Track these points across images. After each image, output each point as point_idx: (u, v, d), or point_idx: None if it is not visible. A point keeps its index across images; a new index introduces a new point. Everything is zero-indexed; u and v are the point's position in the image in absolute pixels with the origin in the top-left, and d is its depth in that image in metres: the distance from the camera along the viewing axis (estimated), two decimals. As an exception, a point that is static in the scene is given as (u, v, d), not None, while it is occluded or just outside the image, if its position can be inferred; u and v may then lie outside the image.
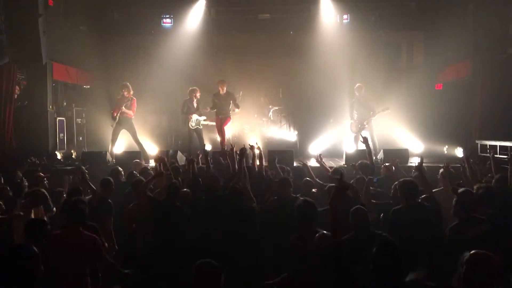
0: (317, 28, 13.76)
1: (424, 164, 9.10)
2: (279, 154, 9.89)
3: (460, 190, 4.73)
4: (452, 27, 12.19)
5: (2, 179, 7.02)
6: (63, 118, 12.00)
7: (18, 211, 5.02)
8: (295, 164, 9.42)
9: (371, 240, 3.73)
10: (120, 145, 11.26)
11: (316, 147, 12.10)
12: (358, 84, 11.53)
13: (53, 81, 11.67)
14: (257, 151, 7.83)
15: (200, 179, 6.60)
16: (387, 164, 7.85)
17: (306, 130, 13.34)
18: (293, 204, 4.78)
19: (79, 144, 12.71)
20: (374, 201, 5.68)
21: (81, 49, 12.54)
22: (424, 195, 5.27)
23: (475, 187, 4.88)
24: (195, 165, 7.11)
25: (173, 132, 14.33)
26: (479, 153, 10.15)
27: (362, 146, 10.90)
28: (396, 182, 5.58)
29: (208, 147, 12.53)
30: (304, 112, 14.02)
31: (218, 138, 11.67)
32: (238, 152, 6.55)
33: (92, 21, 13.49)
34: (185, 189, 5.99)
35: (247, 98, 13.16)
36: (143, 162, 9.90)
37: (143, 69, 14.45)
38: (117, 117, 10.78)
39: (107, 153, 10.45)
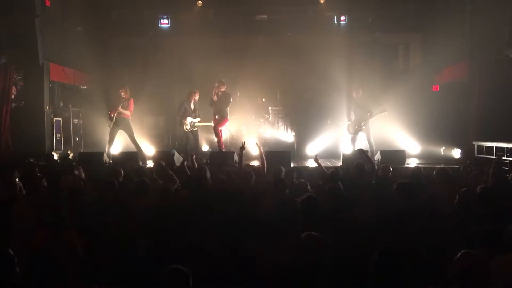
0: (314, 29, 13.79)
1: (421, 165, 9.22)
2: (276, 155, 9.92)
3: (462, 190, 4.77)
4: (449, 29, 12.25)
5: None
6: (59, 119, 11.98)
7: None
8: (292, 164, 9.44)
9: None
10: (117, 145, 11.23)
11: (313, 148, 12.10)
12: (355, 86, 11.53)
13: (50, 82, 11.65)
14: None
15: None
16: (384, 165, 7.81)
17: (303, 131, 13.33)
18: (289, 205, 4.81)
19: (76, 144, 12.68)
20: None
21: (78, 49, 12.53)
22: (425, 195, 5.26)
23: (478, 187, 4.89)
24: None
25: (170, 133, 14.31)
26: (476, 155, 10.19)
27: (359, 147, 11.00)
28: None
29: (205, 147, 12.53)
30: (302, 113, 14.01)
31: (215, 139, 11.65)
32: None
33: (89, 21, 13.47)
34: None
35: (245, 99, 13.15)
36: (140, 163, 9.89)
37: (140, 69, 14.46)
38: (114, 118, 10.75)
39: (104, 153, 10.43)
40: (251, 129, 12.99)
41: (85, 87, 13.64)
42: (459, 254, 3.09)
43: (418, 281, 3.36)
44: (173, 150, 10.58)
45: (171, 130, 14.35)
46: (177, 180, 6.27)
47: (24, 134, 10.87)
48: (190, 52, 13.51)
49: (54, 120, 11.60)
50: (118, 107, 10.71)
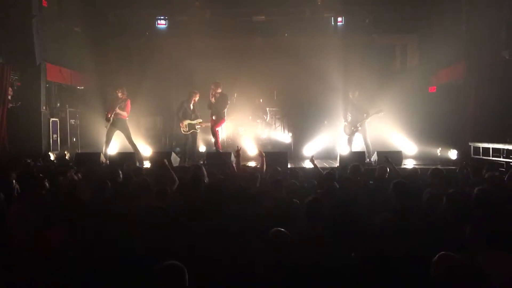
0: (311, 31, 13.80)
1: (417, 166, 9.25)
2: (274, 156, 9.93)
3: (450, 191, 4.81)
4: (446, 30, 12.29)
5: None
6: (56, 119, 11.95)
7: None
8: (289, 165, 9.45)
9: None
10: (114, 146, 11.22)
11: (310, 149, 12.12)
12: (351, 87, 11.56)
13: (47, 82, 11.62)
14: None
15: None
16: (381, 165, 7.83)
17: (300, 132, 13.36)
18: (287, 206, 4.85)
19: (73, 145, 12.66)
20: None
21: (75, 50, 12.51)
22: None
23: (475, 189, 4.91)
24: None
25: (167, 134, 14.30)
26: (472, 155, 10.23)
27: (356, 148, 11.05)
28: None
29: (202, 148, 12.53)
30: (299, 114, 14.04)
31: (213, 140, 11.66)
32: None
33: (86, 22, 13.45)
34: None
35: (242, 100, 13.16)
36: (137, 163, 9.89)
37: (137, 70, 14.44)
38: (111, 118, 10.75)
39: (101, 154, 10.41)
40: (248, 130, 13.00)
41: (82, 87, 13.63)
42: (436, 256, 3.17)
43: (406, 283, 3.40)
44: (177, 149, 10.62)
45: (168, 130, 14.35)
46: (177, 180, 6.28)
47: (20, 134, 10.83)
48: (187, 53, 13.52)
49: (51, 121, 11.56)
50: (115, 107, 10.70)
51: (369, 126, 11.24)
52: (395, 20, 14.12)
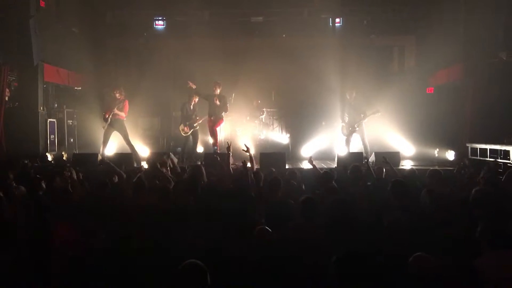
0: (309, 32, 13.81)
1: (415, 167, 9.26)
2: (271, 157, 9.94)
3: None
4: (443, 31, 12.30)
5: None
6: (54, 120, 11.92)
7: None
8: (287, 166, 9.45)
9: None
10: (112, 147, 11.21)
11: (308, 150, 12.12)
12: (349, 88, 11.56)
13: (44, 83, 11.60)
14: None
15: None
16: (378, 166, 7.84)
17: (298, 132, 13.36)
18: (282, 208, 4.88)
19: (70, 146, 12.64)
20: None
21: (72, 50, 12.50)
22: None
23: (473, 190, 4.91)
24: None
25: (165, 134, 14.28)
26: (470, 156, 10.23)
27: (353, 149, 11.05)
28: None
29: (200, 149, 12.52)
30: (296, 115, 14.05)
31: (211, 140, 11.66)
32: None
33: (84, 22, 13.43)
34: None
35: (240, 101, 13.16)
36: (135, 164, 9.88)
37: (135, 71, 14.43)
38: (109, 119, 10.74)
39: (99, 155, 10.40)
40: (246, 131, 13.00)
41: (80, 88, 13.61)
42: (412, 257, 3.26)
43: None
44: (178, 148, 10.65)
45: (166, 131, 14.33)
46: (172, 181, 6.27)
47: (18, 135, 10.80)
48: (185, 53, 13.51)
49: (48, 121, 11.54)
50: (113, 108, 10.69)
51: (367, 127, 11.25)
52: (393, 21, 14.13)
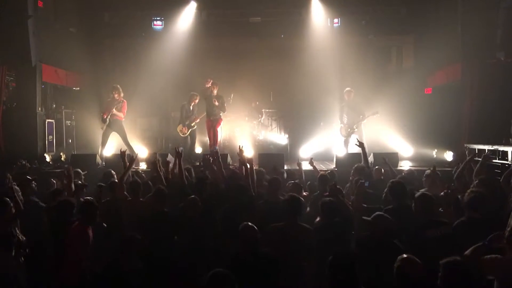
0: (308, 32, 13.80)
1: (413, 168, 9.26)
2: (270, 158, 9.93)
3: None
4: (441, 32, 12.32)
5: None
6: (52, 120, 11.90)
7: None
8: (286, 167, 9.45)
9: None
10: (110, 147, 11.18)
11: (307, 151, 12.12)
12: (347, 89, 11.56)
13: (43, 83, 11.58)
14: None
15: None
16: (377, 167, 7.84)
17: (297, 133, 13.36)
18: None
19: (68, 146, 12.60)
20: (365, 205, 5.67)
21: (71, 51, 12.45)
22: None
23: (467, 191, 4.91)
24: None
25: (164, 135, 14.27)
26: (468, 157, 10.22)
27: (352, 150, 11.03)
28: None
29: (199, 149, 12.51)
30: (295, 115, 14.06)
31: (208, 141, 11.66)
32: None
33: (82, 22, 13.43)
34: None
35: (238, 101, 13.16)
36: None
37: (133, 71, 14.40)
38: (107, 119, 10.73)
39: (97, 155, 10.37)
40: (244, 131, 12.99)
41: (78, 88, 13.58)
42: (398, 258, 3.34)
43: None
44: (180, 148, 10.63)
45: (164, 132, 14.32)
46: (164, 183, 6.27)
47: (16, 135, 10.79)
48: (183, 54, 13.48)
49: (46, 122, 11.51)
50: (112, 109, 10.67)
51: (365, 127, 11.26)
52: (391, 22, 14.15)
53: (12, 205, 5.00)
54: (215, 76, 11.80)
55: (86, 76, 13.51)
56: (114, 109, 10.68)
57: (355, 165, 7.17)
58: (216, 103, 11.07)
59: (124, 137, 10.89)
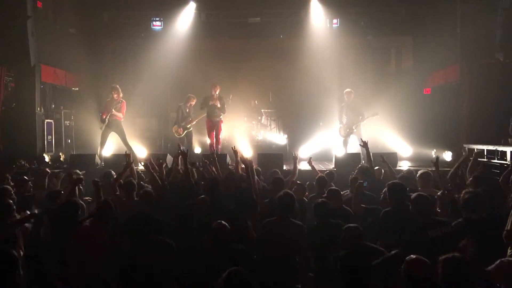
0: (307, 32, 13.80)
1: (412, 168, 9.27)
2: (269, 158, 9.94)
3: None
4: (440, 32, 12.32)
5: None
6: (51, 121, 11.88)
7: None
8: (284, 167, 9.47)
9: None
10: (109, 147, 11.18)
11: (306, 151, 12.11)
12: (347, 89, 11.56)
13: (42, 83, 11.56)
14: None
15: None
16: (377, 167, 7.84)
17: (296, 133, 13.38)
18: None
19: (68, 146, 12.60)
20: (363, 205, 5.68)
21: (70, 51, 12.46)
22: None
23: (463, 191, 4.92)
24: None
25: (163, 135, 14.28)
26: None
27: (351, 150, 11.05)
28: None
29: (198, 150, 12.52)
30: (294, 116, 14.07)
31: (208, 141, 11.66)
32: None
33: (82, 23, 13.40)
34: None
35: (237, 102, 13.17)
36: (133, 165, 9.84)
37: (132, 72, 14.40)
38: (107, 120, 10.73)
39: (96, 155, 10.37)
40: (243, 131, 13.00)
41: (77, 88, 13.57)
42: (406, 260, 3.31)
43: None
44: (182, 147, 10.69)
45: (163, 132, 14.33)
46: (159, 183, 6.29)
47: (15, 136, 10.76)
48: (182, 54, 13.48)
49: (45, 122, 11.49)
50: (111, 109, 10.68)
51: (364, 127, 11.27)
52: (390, 22, 14.15)
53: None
54: (214, 77, 11.82)
55: (85, 76, 13.49)
56: (113, 109, 10.69)
57: (359, 165, 7.20)
58: (218, 105, 11.12)
59: (123, 138, 10.90)
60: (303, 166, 9.03)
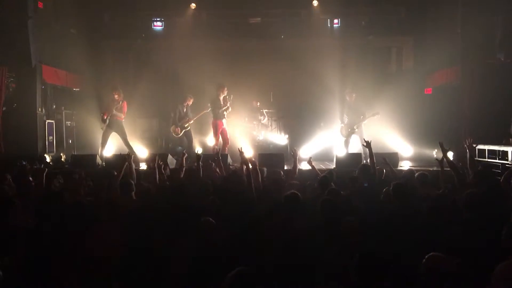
0: (308, 33, 13.81)
1: (413, 168, 9.27)
2: (270, 158, 9.94)
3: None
4: (441, 32, 12.32)
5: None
6: (52, 121, 11.90)
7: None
8: (286, 167, 9.46)
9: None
10: (110, 148, 11.19)
11: (307, 151, 12.12)
12: (348, 89, 11.57)
13: (43, 84, 11.58)
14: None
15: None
16: (378, 167, 7.83)
17: (297, 133, 13.36)
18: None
19: (69, 147, 12.61)
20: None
21: (71, 51, 12.48)
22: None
23: (465, 192, 4.91)
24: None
25: (163, 135, 14.27)
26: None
27: (352, 150, 11.05)
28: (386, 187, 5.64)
29: (199, 150, 12.52)
30: (295, 116, 14.05)
31: (212, 141, 11.65)
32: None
33: (83, 23, 13.41)
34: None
35: (238, 102, 13.14)
36: (133, 165, 9.84)
37: (133, 72, 14.42)
38: (107, 120, 10.74)
39: (97, 156, 10.38)
40: (244, 132, 12.99)
41: (78, 89, 13.59)
42: (426, 257, 3.26)
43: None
44: (179, 148, 10.74)
45: (164, 132, 14.31)
46: (157, 183, 6.32)
47: (16, 136, 10.78)
48: (183, 54, 13.49)
49: (46, 123, 11.51)
50: (112, 109, 10.69)
51: (365, 128, 11.26)
52: (391, 23, 14.16)
53: None
54: (215, 77, 11.82)
55: (86, 76, 13.50)
56: (114, 110, 10.70)
57: (361, 164, 7.19)
58: (225, 105, 11.14)
59: (124, 138, 10.90)
60: (303, 166, 9.03)
